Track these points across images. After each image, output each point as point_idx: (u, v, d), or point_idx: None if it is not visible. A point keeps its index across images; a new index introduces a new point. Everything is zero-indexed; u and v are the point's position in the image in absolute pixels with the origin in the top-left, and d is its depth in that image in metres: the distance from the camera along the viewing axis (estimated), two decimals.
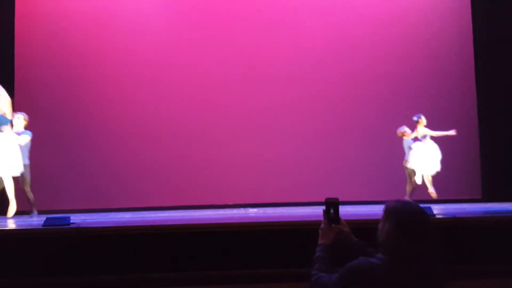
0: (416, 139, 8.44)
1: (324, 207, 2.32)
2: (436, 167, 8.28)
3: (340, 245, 2.27)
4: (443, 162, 8.70)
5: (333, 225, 2.29)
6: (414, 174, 8.34)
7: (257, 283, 3.68)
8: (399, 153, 8.75)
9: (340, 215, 2.32)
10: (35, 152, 8.90)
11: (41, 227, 4.12)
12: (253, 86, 9.22)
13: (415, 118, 8.41)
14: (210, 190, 8.74)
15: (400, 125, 8.63)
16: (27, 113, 8.87)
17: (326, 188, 8.71)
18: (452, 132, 8.28)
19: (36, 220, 5.52)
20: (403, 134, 8.47)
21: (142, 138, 8.93)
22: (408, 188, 8.42)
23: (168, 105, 9.12)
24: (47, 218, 4.25)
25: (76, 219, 4.87)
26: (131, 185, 8.76)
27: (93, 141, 8.99)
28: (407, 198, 8.18)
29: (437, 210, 4.67)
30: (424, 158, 8.23)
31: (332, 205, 2.31)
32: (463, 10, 9.41)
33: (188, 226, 4.36)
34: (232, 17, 9.41)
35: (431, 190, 8.37)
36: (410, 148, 8.39)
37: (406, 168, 8.38)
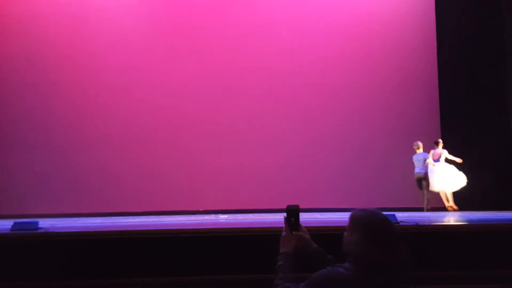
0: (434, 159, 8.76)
1: (285, 214, 2.33)
2: (459, 182, 8.57)
3: (301, 253, 2.28)
4: (407, 170, 8.95)
5: (294, 232, 2.29)
6: (428, 185, 8.67)
7: None
8: (371, 161, 8.97)
9: (300, 222, 2.33)
10: (4, 157, 8.78)
11: (8, 231, 4.06)
12: (231, 95, 9.32)
13: (440, 140, 8.80)
14: (181, 196, 8.73)
15: (374, 133, 8.87)
16: None
17: (297, 195, 8.80)
18: (459, 160, 8.69)
19: (4, 224, 5.42)
20: (418, 147, 8.80)
21: (112, 143, 8.88)
22: (424, 198, 8.72)
23: (141, 110, 9.09)
24: (15, 223, 4.20)
25: (46, 223, 4.82)
26: (103, 190, 8.70)
27: (62, 146, 8.89)
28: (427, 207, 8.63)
29: (401, 217, 4.78)
30: (444, 178, 8.56)
31: (293, 212, 2.32)
32: (427, 17, 9.68)
33: (158, 231, 4.36)
34: (221, 26, 9.49)
35: (451, 204, 8.66)
36: (425, 160, 8.72)
37: (420, 180, 8.74)
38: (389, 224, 2.03)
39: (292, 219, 2.31)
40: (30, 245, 3.84)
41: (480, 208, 8.31)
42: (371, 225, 2.01)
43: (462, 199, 8.72)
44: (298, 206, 2.33)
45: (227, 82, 9.33)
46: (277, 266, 2.21)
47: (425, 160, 8.74)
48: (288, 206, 2.34)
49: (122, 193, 8.67)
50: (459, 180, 8.54)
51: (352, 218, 2.09)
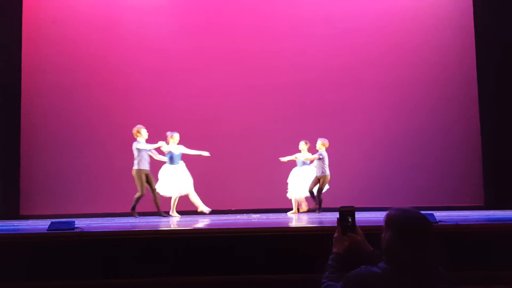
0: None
1: (337, 216, 2.25)
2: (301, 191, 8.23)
3: (354, 254, 2.23)
4: (445, 169, 8.72)
5: (348, 234, 2.23)
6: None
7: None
8: (405, 160, 8.82)
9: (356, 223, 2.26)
10: (41, 157, 9.00)
11: (45, 231, 4.15)
12: (256, 92, 9.25)
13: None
14: (213, 196, 8.75)
15: (407, 130, 8.74)
16: (33, 118, 8.97)
17: (328, 196, 8.73)
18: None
19: (41, 224, 5.56)
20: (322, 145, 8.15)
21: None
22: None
23: (172, 111, 9.16)
24: (52, 223, 4.29)
25: (81, 223, 4.91)
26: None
27: (97, 146, 9.04)
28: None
29: (440, 217, 4.68)
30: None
31: (347, 213, 2.25)
32: (465, 14, 9.40)
33: (191, 230, 4.39)
34: (235, 25, 9.47)
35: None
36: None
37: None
38: (422, 223, 1.97)
39: (349, 219, 2.24)
40: (66, 244, 3.91)
41: None
42: (403, 224, 1.96)
43: (506, 197, 8.48)
44: (353, 207, 2.27)
45: (258, 81, 9.28)
46: (326, 265, 2.20)
47: None
48: (341, 208, 2.27)
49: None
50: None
51: (385, 217, 2.05)
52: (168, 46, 9.34)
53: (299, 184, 8.25)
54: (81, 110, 9.11)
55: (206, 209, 7.83)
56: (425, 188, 8.86)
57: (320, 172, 8.01)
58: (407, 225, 1.95)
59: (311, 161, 8.27)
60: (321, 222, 5.51)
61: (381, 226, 2.09)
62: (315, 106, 9.29)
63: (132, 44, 9.32)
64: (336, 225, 2.28)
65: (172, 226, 5.02)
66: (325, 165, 8.01)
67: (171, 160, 7.92)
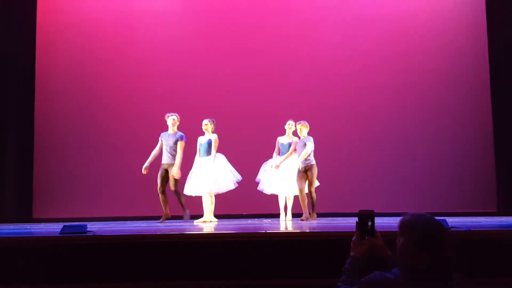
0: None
1: (356, 219, 2.26)
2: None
3: (374, 259, 2.23)
4: (458, 174, 8.66)
5: (366, 238, 2.22)
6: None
7: None
8: (417, 165, 8.76)
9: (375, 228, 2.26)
10: (54, 161, 9.07)
11: (58, 234, 4.18)
12: (265, 97, 9.29)
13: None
14: (224, 200, 8.75)
15: (420, 135, 8.67)
16: (46, 122, 9.05)
17: (339, 200, 8.70)
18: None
19: (53, 228, 5.60)
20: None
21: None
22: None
23: (186, 115, 9.18)
24: (64, 226, 4.31)
25: (93, 227, 4.94)
26: (149, 195, 8.80)
27: (110, 150, 9.10)
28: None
29: (452, 223, 4.65)
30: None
31: (367, 217, 2.24)
32: (477, 15, 9.36)
33: (203, 235, 4.40)
34: (248, 30, 9.53)
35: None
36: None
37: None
38: (436, 228, 1.96)
39: (369, 223, 2.23)
40: (78, 248, 3.94)
41: None
42: (417, 229, 1.96)
43: None
44: (373, 211, 2.25)
45: (267, 85, 9.33)
46: (342, 268, 2.20)
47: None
48: (360, 211, 2.26)
49: (167, 197, 8.75)
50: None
51: (400, 222, 2.05)
52: (181, 50, 9.40)
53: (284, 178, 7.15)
54: (94, 114, 9.20)
55: (212, 220, 7.16)
56: (437, 194, 8.82)
57: (308, 161, 6.96)
58: (422, 230, 1.95)
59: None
60: (337, 227, 5.50)
61: (394, 232, 2.09)
62: (327, 110, 9.27)
63: (145, 48, 9.41)
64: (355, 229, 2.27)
65: (182, 231, 5.02)
66: (312, 152, 6.97)
67: (199, 151, 7.23)
